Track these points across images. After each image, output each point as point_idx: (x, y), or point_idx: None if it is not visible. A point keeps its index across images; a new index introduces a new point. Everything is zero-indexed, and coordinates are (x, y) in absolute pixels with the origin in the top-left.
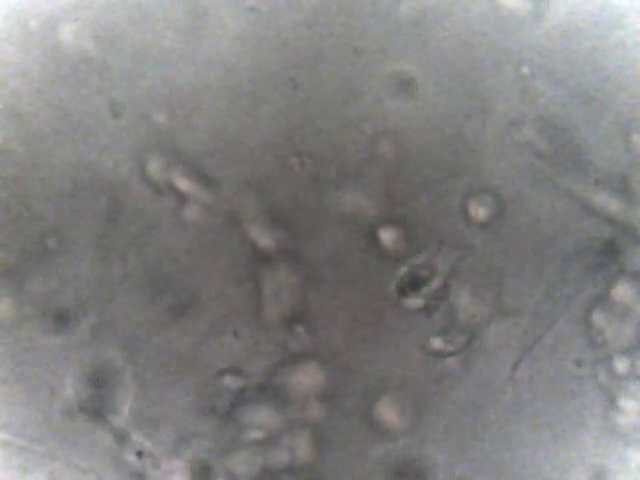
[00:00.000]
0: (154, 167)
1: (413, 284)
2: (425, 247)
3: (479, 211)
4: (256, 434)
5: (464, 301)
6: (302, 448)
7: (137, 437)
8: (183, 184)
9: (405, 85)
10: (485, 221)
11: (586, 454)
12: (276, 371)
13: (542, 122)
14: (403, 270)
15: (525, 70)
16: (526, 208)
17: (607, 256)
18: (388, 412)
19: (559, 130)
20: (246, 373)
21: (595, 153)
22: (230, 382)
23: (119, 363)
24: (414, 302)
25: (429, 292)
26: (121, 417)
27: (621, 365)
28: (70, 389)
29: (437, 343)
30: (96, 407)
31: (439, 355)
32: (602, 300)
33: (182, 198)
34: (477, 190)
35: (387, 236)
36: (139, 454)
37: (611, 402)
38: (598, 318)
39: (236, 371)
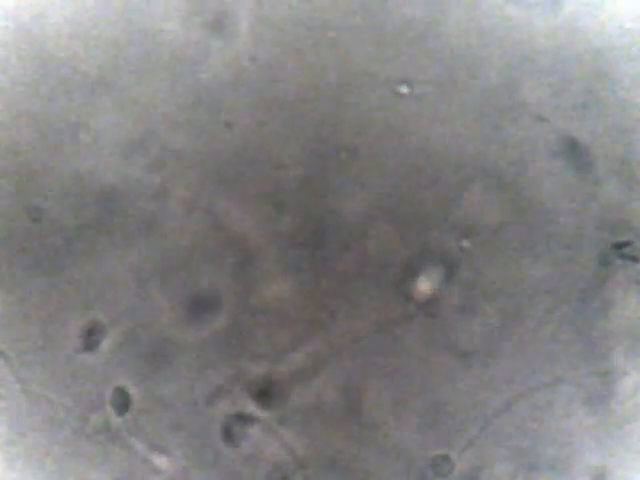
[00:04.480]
0: (149, 165)
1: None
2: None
3: (484, 201)
4: (249, 431)
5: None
6: (298, 444)
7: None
8: (178, 184)
9: (405, 87)
10: (491, 213)
11: (586, 454)
12: (272, 369)
13: (544, 118)
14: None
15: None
16: (531, 203)
17: (608, 251)
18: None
19: (563, 124)
20: (244, 372)
21: (600, 148)
22: (227, 383)
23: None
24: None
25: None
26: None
27: (621, 362)
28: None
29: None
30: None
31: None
32: (601, 296)
33: (177, 198)
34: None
35: (388, 234)
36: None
37: (609, 400)
38: (597, 314)
39: (234, 371)
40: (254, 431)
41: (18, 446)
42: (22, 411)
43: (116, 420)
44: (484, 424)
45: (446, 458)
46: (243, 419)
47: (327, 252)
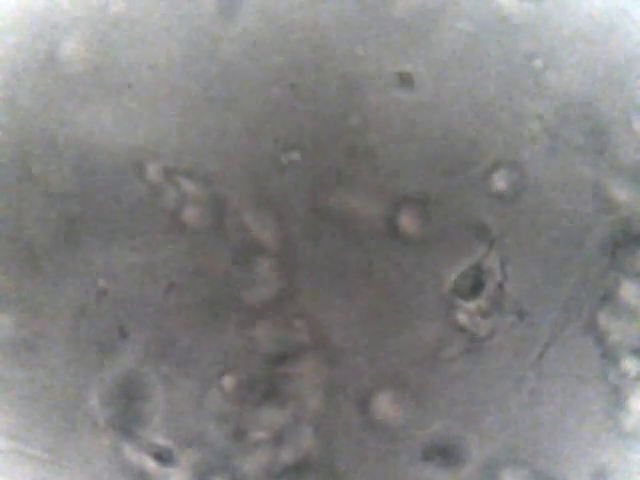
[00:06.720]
0: (154, 167)
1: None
2: (468, 241)
3: (500, 184)
4: (260, 433)
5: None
6: (306, 443)
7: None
8: (182, 182)
9: (406, 80)
10: (505, 195)
11: (587, 452)
12: (275, 367)
13: (562, 106)
14: (460, 271)
15: (538, 63)
16: (541, 198)
17: (616, 252)
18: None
19: (580, 114)
20: (245, 370)
21: (616, 140)
22: (230, 382)
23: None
24: (473, 305)
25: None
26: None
27: (629, 365)
28: (96, 402)
29: (463, 320)
30: (124, 420)
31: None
32: (609, 299)
33: (180, 196)
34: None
35: (406, 221)
36: (158, 457)
37: (615, 401)
38: (605, 318)
39: (234, 369)
40: (264, 432)
41: (25, 441)
42: (31, 404)
43: (125, 417)
44: (491, 420)
45: (452, 449)
46: (253, 420)
47: (331, 251)
